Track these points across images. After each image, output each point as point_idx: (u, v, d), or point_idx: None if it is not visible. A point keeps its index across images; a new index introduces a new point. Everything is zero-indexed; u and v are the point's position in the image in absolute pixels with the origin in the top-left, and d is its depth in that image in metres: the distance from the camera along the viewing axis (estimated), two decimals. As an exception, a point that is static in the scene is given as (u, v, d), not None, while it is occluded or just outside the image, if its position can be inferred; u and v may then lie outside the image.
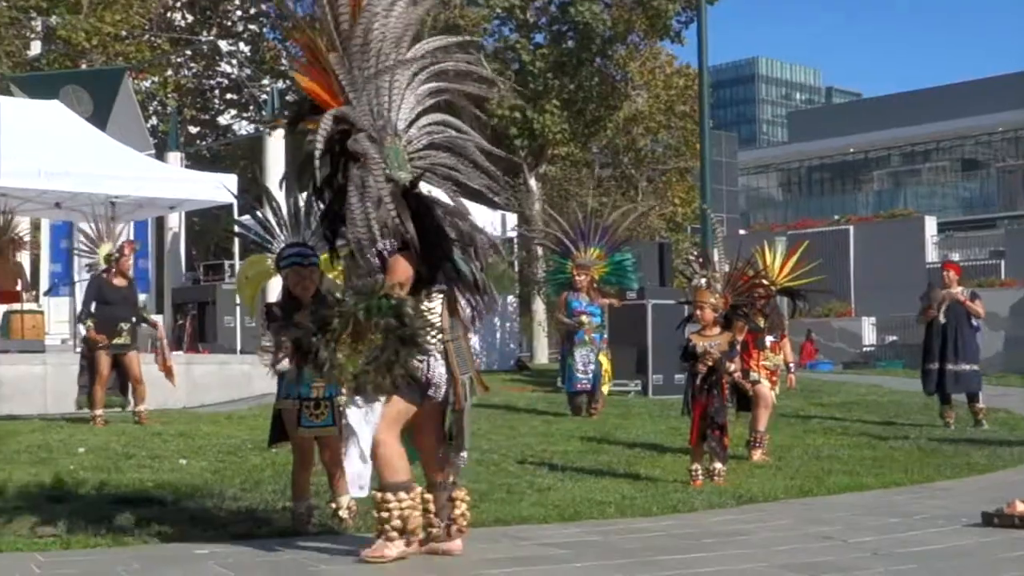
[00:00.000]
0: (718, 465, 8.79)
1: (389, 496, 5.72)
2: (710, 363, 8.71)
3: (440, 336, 5.84)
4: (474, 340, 22.91)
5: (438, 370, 5.84)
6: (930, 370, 13.87)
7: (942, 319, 13.72)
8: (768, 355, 10.93)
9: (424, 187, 5.92)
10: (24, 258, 17.46)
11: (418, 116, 6.08)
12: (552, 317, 19.55)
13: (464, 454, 6.11)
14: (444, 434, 6.00)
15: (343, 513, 6.77)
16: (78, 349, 13.80)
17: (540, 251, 24.35)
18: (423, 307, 5.81)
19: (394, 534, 5.71)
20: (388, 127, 5.87)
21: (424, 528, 5.94)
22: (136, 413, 12.55)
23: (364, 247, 5.66)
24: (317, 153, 5.64)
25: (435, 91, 6.16)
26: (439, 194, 5.99)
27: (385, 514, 5.71)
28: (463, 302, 6.03)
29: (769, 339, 10.97)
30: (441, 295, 5.93)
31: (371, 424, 6.29)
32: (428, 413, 6.00)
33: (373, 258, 5.77)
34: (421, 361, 5.74)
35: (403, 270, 5.78)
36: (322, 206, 6.07)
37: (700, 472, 8.74)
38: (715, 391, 8.75)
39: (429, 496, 5.99)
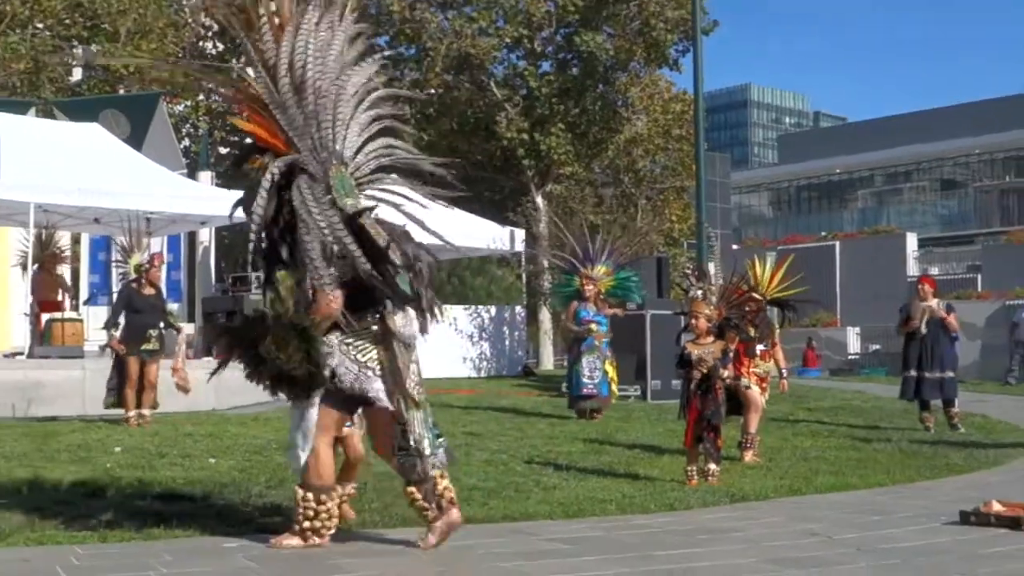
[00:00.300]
0: (712, 466, 8.78)
1: (309, 496, 5.92)
2: (704, 370, 8.71)
3: (376, 355, 5.92)
4: (484, 347, 23.10)
5: (374, 385, 5.91)
6: (910, 377, 13.85)
7: (923, 329, 13.71)
8: (758, 362, 10.92)
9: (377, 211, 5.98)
10: (65, 270, 17.48)
11: (364, 143, 6.10)
12: (559, 326, 19.54)
13: (436, 455, 6.06)
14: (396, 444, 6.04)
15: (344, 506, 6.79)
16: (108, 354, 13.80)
17: (546, 264, 24.33)
18: (363, 326, 5.91)
19: (297, 529, 5.92)
20: (333, 157, 5.87)
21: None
22: (140, 415, 12.48)
23: (317, 273, 5.68)
24: (263, 194, 5.67)
25: (376, 118, 6.19)
26: (390, 217, 6.03)
27: (301, 511, 5.92)
28: (402, 321, 6.02)
29: (760, 347, 10.96)
30: (378, 315, 5.98)
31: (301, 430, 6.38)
32: (377, 421, 6.12)
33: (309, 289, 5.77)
34: (355, 376, 5.87)
35: (325, 308, 5.77)
36: (262, 239, 5.93)
37: (695, 472, 8.73)
38: (711, 395, 8.74)
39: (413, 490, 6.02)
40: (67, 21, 26.43)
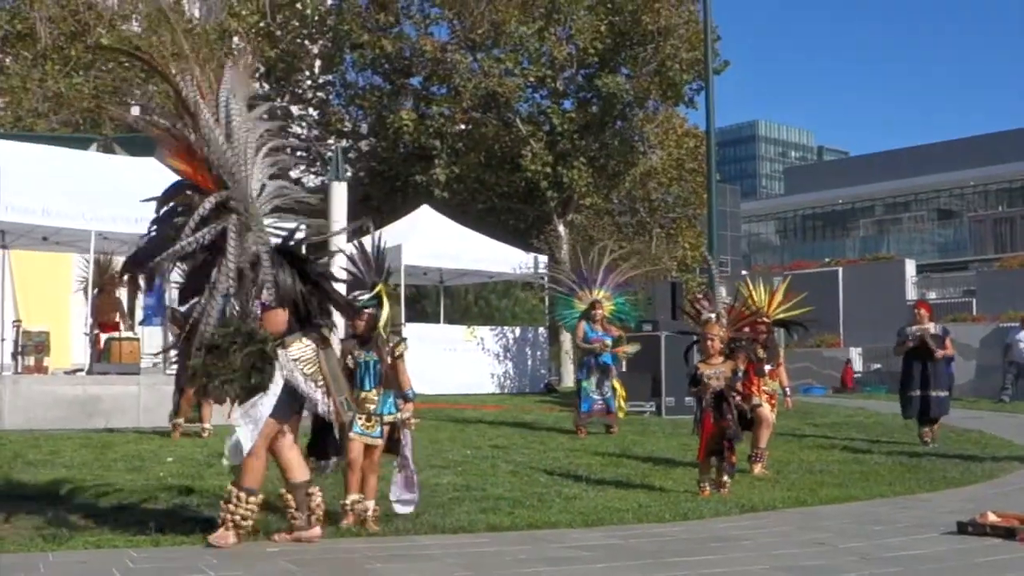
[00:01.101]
0: (725, 478, 8.73)
1: (241, 495, 6.12)
2: (716, 388, 8.66)
3: (313, 369, 6.31)
4: (509, 366, 23.02)
5: (316, 396, 6.31)
6: (912, 396, 13.75)
7: (911, 344, 13.69)
8: (767, 381, 10.86)
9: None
10: (122, 293, 17.57)
11: (263, 187, 6.45)
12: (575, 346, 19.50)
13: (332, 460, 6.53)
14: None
15: (369, 514, 6.87)
16: (168, 371, 13.83)
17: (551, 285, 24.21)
18: (300, 344, 6.31)
19: (231, 525, 6.09)
20: (249, 197, 6.28)
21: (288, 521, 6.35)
22: (203, 429, 12.51)
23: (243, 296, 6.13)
24: (192, 226, 6.00)
25: (272, 163, 6.56)
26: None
27: (232, 507, 6.10)
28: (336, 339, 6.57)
29: (767, 367, 10.91)
30: (315, 335, 6.39)
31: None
32: (295, 427, 6.49)
33: (256, 308, 6.19)
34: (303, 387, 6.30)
35: (274, 323, 6.24)
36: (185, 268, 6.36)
37: (707, 484, 8.68)
38: (729, 415, 8.70)
39: (289, 496, 6.34)
40: (125, 64, 26.66)
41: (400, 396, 6.95)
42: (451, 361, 21.76)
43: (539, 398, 21.38)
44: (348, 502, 6.89)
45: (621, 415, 15.13)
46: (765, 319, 10.85)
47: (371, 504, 6.88)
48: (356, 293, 6.98)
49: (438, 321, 24.82)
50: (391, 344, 6.93)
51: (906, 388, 13.84)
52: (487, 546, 6.32)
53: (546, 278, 22.59)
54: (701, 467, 8.82)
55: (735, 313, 9.56)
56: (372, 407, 6.86)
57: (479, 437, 13.17)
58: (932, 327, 13.94)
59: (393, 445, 6.98)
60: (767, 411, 10.67)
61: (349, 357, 6.91)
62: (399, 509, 7.04)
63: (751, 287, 11.37)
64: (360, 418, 6.87)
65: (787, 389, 11.63)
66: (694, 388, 8.87)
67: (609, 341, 14.85)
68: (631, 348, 15.59)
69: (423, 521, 6.97)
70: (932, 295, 39.23)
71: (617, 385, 14.91)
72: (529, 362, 24.03)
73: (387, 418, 6.90)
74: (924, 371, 13.66)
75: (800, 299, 11.97)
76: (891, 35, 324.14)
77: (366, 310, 6.89)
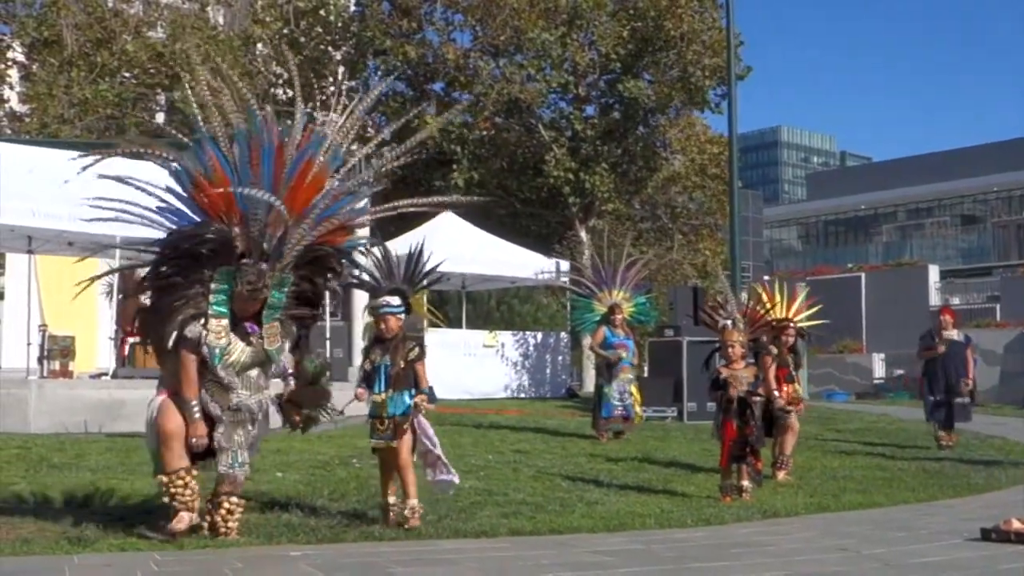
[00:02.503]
0: (747, 483, 8.69)
1: (174, 478, 6.28)
2: (740, 392, 8.61)
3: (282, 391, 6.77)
4: (531, 371, 23.02)
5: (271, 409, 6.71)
6: (939, 401, 13.69)
7: (942, 349, 13.63)
8: (797, 387, 10.86)
9: None
10: (147, 299, 17.68)
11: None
12: (590, 350, 19.40)
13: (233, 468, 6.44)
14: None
15: (407, 513, 6.90)
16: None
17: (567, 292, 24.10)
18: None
19: (179, 509, 6.25)
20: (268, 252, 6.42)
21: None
22: None
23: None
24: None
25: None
26: None
27: (172, 492, 6.27)
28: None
29: (794, 373, 10.89)
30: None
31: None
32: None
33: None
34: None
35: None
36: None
37: (730, 490, 8.64)
38: (753, 421, 8.67)
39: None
40: (151, 70, 26.84)
41: (416, 391, 6.99)
42: (472, 366, 21.79)
43: (560, 403, 21.37)
44: (391, 502, 7.05)
45: (637, 421, 15.08)
46: (792, 324, 10.85)
47: (413, 502, 6.92)
48: (382, 300, 6.98)
49: (460, 326, 24.85)
50: (406, 349, 6.97)
51: (932, 393, 13.79)
52: (509, 551, 6.32)
53: (568, 281, 22.55)
54: (723, 473, 8.78)
55: (751, 315, 9.52)
56: (381, 412, 6.94)
57: (501, 442, 13.17)
58: (956, 334, 13.90)
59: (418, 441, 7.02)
60: (795, 419, 10.66)
61: (367, 361, 7.00)
62: (441, 490, 7.18)
63: (766, 289, 11.34)
64: (375, 424, 6.99)
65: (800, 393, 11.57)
66: (716, 392, 8.82)
67: (630, 345, 14.81)
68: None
69: (445, 526, 6.98)
70: (956, 301, 39.01)
71: (634, 390, 14.87)
72: (550, 367, 24.02)
73: (399, 419, 6.93)
74: (949, 378, 13.63)
75: (819, 308, 11.94)
76: (915, 40, 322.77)
77: (396, 315, 6.96)
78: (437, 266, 7.41)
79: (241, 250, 6.23)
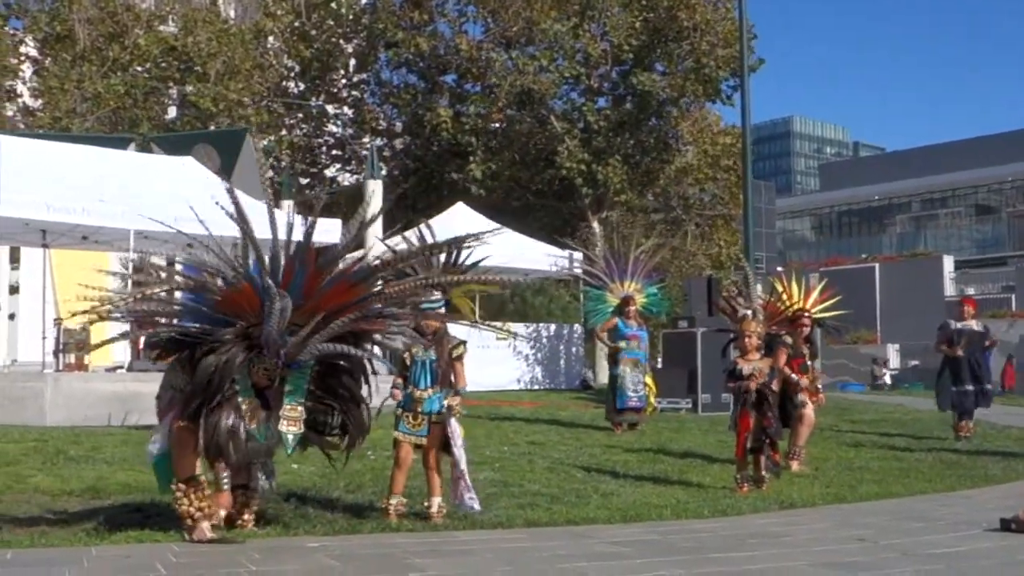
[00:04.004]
0: (764, 474, 8.67)
1: (181, 487, 6.12)
2: (759, 383, 8.59)
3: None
4: (544, 363, 22.96)
5: None
6: (965, 391, 13.66)
7: (961, 353, 13.60)
8: (818, 375, 10.84)
9: None
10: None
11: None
12: (595, 339, 19.32)
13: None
14: None
15: (433, 511, 6.87)
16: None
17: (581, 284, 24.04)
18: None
19: (196, 518, 6.09)
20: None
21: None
22: None
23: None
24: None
25: None
26: None
27: (186, 503, 6.11)
28: None
29: (809, 363, 10.87)
30: None
31: None
32: None
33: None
34: None
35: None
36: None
37: (746, 481, 8.62)
38: (770, 413, 8.65)
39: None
40: (163, 64, 26.89)
41: (452, 391, 6.95)
42: (486, 358, 21.77)
43: (574, 395, 21.36)
44: (393, 503, 6.94)
45: (649, 411, 15.06)
46: (808, 315, 10.83)
47: (436, 500, 6.91)
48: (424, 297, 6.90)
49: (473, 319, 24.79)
50: (451, 345, 6.95)
51: (957, 383, 13.74)
52: (525, 542, 6.32)
53: (581, 271, 22.51)
54: (739, 464, 8.76)
55: (771, 308, 9.51)
56: (418, 407, 6.89)
57: (515, 434, 13.17)
58: (975, 324, 13.88)
59: (445, 445, 6.96)
60: (811, 410, 10.63)
61: (407, 354, 6.90)
62: (466, 510, 7.00)
63: (784, 282, 11.30)
64: (407, 417, 6.91)
65: (820, 386, 11.55)
66: (732, 383, 8.80)
67: (644, 336, 14.80)
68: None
69: (462, 516, 6.98)
70: (971, 291, 38.84)
71: (649, 381, 14.84)
72: (564, 359, 24.00)
73: (435, 417, 6.90)
74: (969, 367, 13.62)
75: (837, 300, 11.90)
76: (928, 29, 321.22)
77: (437, 311, 6.94)
78: (478, 262, 7.33)
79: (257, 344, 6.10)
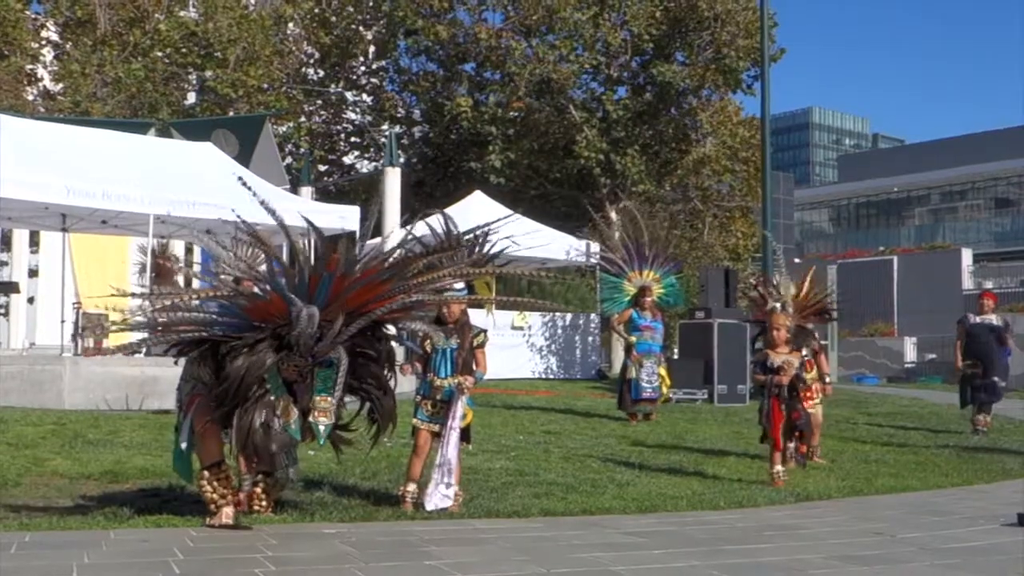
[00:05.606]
0: (783, 466, 8.61)
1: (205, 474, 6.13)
2: (790, 376, 8.53)
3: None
4: (560, 352, 22.95)
5: None
6: (976, 384, 13.61)
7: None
8: (825, 368, 10.79)
9: None
10: (179, 277, 17.77)
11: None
12: (610, 329, 19.26)
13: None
14: None
15: (450, 498, 6.83)
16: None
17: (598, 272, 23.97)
18: None
19: (220, 504, 6.09)
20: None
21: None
22: None
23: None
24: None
25: None
26: None
27: (210, 489, 6.10)
28: None
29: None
30: None
31: None
32: None
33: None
34: None
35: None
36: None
37: (783, 474, 8.51)
38: (799, 406, 8.60)
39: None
40: (183, 50, 26.92)
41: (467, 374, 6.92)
42: (502, 347, 21.78)
43: (590, 384, 21.35)
44: (410, 490, 6.91)
45: (663, 400, 15.01)
46: (831, 309, 10.80)
47: (453, 488, 6.87)
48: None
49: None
50: (472, 334, 6.94)
51: (970, 377, 13.70)
52: (542, 531, 6.32)
53: (599, 258, 22.46)
54: (774, 458, 8.57)
55: (801, 301, 9.46)
56: (437, 395, 6.89)
57: (531, 423, 13.18)
58: (994, 318, 13.85)
59: (464, 434, 6.94)
60: (819, 412, 10.53)
61: (428, 342, 6.87)
62: (432, 508, 6.79)
63: (811, 276, 11.23)
64: (426, 405, 6.91)
65: (827, 377, 11.48)
66: (762, 376, 8.69)
67: (659, 328, 14.76)
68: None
69: (477, 505, 6.99)
70: (989, 284, 38.59)
71: (663, 372, 14.82)
72: (580, 348, 24.00)
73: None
74: (984, 358, 13.59)
75: (831, 291, 11.81)
76: (949, 21, 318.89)
77: (459, 300, 6.92)
78: (502, 251, 7.30)
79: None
